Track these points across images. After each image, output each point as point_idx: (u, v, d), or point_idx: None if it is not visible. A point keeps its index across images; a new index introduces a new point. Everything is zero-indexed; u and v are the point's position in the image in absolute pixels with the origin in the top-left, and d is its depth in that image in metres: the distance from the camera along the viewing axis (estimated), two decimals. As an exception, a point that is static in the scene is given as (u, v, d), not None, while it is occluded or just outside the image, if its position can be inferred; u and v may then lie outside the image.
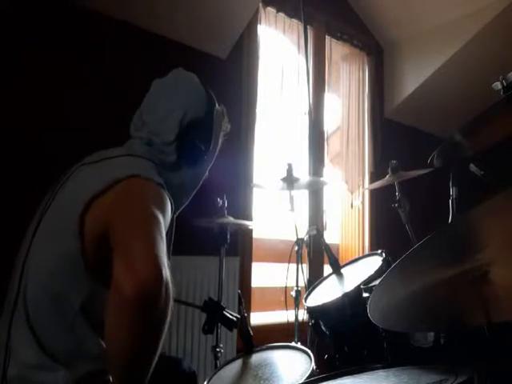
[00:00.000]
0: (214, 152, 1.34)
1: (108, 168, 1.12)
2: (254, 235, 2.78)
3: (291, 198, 2.14)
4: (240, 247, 2.66)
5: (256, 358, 1.44)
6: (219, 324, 1.70)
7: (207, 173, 1.40)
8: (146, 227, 0.97)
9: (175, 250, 2.34)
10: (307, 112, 2.48)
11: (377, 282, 1.12)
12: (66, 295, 1.04)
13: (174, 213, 1.19)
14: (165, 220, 1.03)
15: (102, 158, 1.16)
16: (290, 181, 2.12)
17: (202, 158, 1.26)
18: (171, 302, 0.96)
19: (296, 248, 2.17)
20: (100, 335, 1.05)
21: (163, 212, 1.03)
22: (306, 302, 1.69)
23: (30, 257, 1.08)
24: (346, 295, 1.49)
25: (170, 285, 0.93)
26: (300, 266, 2.18)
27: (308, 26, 3.04)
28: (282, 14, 2.96)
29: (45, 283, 1.04)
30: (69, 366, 1.01)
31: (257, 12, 2.79)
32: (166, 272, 0.91)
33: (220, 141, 1.35)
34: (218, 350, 1.98)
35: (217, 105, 1.31)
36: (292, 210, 2.15)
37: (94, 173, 1.13)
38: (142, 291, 0.86)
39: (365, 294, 1.37)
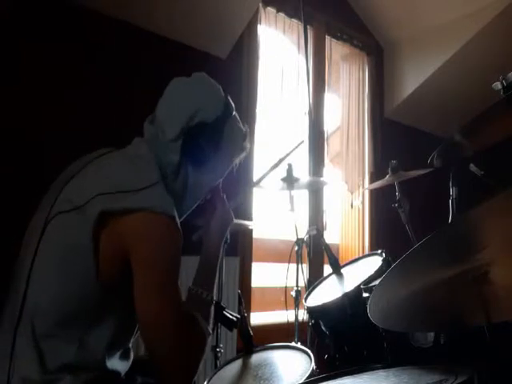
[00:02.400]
0: (223, 162, 1.27)
1: (116, 183, 1.09)
2: (254, 235, 2.78)
3: (291, 198, 2.14)
4: (240, 247, 2.66)
5: (256, 358, 1.44)
6: (219, 324, 1.70)
7: (218, 185, 1.35)
8: (164, 278, 1.11)
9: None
10: (307, 112, 2.49)
11: (377, 282, 1.12)
12: (76, 310, 1.03)
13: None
14: (179, 253, 1.14)
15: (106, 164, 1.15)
16: (290, 181, 2.12)
17: (206, 161, 1.21)
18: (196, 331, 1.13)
19: (296, 248, 2.17)
20: (109, 343, 1.06)
21: (177, 248, 1.14)
22: (305, 302, 1.69)
23: (35, 269, 1.05)
24: (345, 295, 1.48)
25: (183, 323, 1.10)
26: (300, 265, 2.18)
27: (308, 26, 3.04)
28: (282, 14, 2.96)
29: (55, 299, 1.03)
30: (72, 374, 1.00)
31: (257, 12, 2.79)
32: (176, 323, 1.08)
33: (235, 158, 1.29)
34: (217, 350, 1.98)
35: (235, 115, 1.27)
36: (292, 210, 2.15)
37: (100, 181, 1.10)
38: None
39: (365, 294, 1.37)
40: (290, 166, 2.13)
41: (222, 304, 1.53)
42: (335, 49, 3.44)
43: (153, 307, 1.06)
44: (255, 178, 2.74)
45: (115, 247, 1.04)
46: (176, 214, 1.10)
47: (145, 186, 1.07)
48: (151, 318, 1.05)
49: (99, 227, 1.03)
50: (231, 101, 1.26)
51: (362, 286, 1.41)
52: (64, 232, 1.06)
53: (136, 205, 1.04)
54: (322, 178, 2.63)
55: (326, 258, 1.81)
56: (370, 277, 1.45)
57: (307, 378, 1.17)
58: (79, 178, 1.13)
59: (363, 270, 1.61)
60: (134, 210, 1.04)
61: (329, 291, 1.67)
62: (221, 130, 1.21)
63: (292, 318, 2.15)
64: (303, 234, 2.21)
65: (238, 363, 1.46)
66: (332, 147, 3.32)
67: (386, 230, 3.35)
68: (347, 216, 3.53)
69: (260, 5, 2.80)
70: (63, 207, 1.07)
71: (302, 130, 2.88)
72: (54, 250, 1.06)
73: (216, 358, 1.98)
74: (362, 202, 3.48)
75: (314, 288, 1.78)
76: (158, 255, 1.09)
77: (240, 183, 2.67)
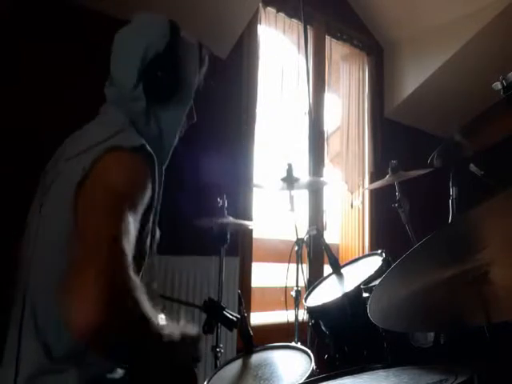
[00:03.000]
0: (189, 84, 1.22)
1: (87, 142, 1.06)
2: (254, 235, 2.78)
3: (291, 198, 2.14)
4: (240, 247, 2.66)
5: (256, 358, 1.44)
6: (219, 324, 1.70)
7: (194, 119, 1.30)
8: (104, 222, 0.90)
9: (175, 250, 2.35)
10: (307, 112, 2.49)
11: (377, 282, 1.12)
12: None
13: (161, 164, 1.17)
14: (142, 188, 1.02)
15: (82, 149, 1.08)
16: (290, 181, 2.12)
17: (172, 93, 1.17)
18: (135, 303, 0.87)
19: (296, 248, 2.17)
20: None
21: (136, 183, 1.01)
22: (305, 302, 1.69)
23: (35, 257, 1.05)
24: (345, 295, 1.48)
25: (126, 296, 0.84)
26: (300, 265, 2.18)
27: (308, 26, 3.04)
28: (282, 14, 2.96)
29: (54, 282, 1.00)
30: (79, 367, 1.00)
31: (257, 12, 2.79)
32: (119, 290, 0.83)
33: (197, 75, 1.25)
34: (218, 350, 1.98)
35: (183, 35, 1.22)
36: (292, 210, 2.14)
37: (75, 148, 1.08)
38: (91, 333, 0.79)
39: (365, 294, 1.37)
40: (289, 165, 2.12)
41: (222, 304, 1.53)
42: (335, 49, 3.44)
43: (97, 223, 0.91)
44: (255, 178, 2.75)
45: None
46: (146, 146, 1.06)
47: (111, 134, 1.05)
48: (92, 233, 0.90)
49: (77, 193, 0.98)
50: (174, 21, 1.23)
51: (362, 286, 1.41)
52: (54, 211, 1.04)
53: (101, 152, 1.00)
54: (321, 178, 2.63)
55: (326, 258, 1.81)
56: (370, 277, 1.45)
57: (307, 378, 1.17)
58: (58, 158, 1.14)
59: (363, 270, 1.61)
60: (100, 157, 0.99)
61: (329, 291, 1.67)
62: (175, 54, 1.17)
63: (292, 318, 2.15)
64: (303, 234, 2.21)
65: (237, 363, 1.45)
66: (332, 147, 3.32)
67: (385, 230, 3.35)
68: (347, 216, 3.53)
69: (260, 5, 2.80)
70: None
71: (302, 130, 2.89)
72: (49, 234, 1.04)
73: (216, 357, 1.98)
74: (362, 202, 3.48)
75: (313, 288, 1.78)
76: (117, 182, 0.98)
77: (240, 183, 2.67)
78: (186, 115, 1.25)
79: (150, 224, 1.15)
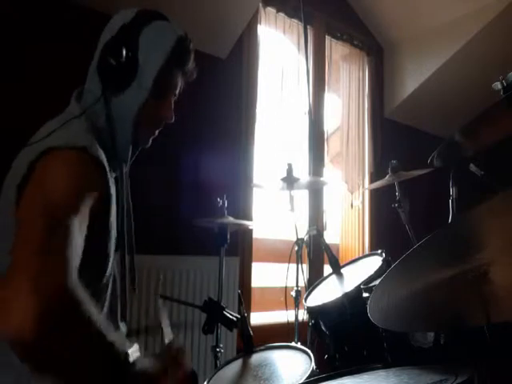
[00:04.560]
0: (147, 74, 1.10)
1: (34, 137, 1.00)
2: (254, 235, 2.78)
3: (291, 198, 2.14)
4: (240, 247, 2.66)
5: (256, 358, 1.44)
6: (219, 324, 1.70)
7: (171, 118, 1.21)
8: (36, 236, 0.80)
9: (175, 250, 2.36)
10: (307, 112, 2.49)
11: (377, 282, 1.12)
12: None
13: (121, 161, 1.10)
14: (87, 186, 0.93)
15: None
16: (290, 181, 2.12)
17: (125, 79, 1.07)
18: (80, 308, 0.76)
19: (296, 248, 2.17)
20: None
21: (81, 185, 0.92)
22: (306, 302, 1.69)
23: None
24: (345, 295, 1.48)
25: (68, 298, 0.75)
26: (300, 265, 2.18)
27: (308, 26, 3.04)
28: (281, 14, 2.96)
29: None
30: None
31: (257, 12, 2.79)
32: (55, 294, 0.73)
33: (162, 56, 1.11)
34: (217, 350, 1.98)
35: (161, 23, 1.14)
36: (292, 210, 2.14)
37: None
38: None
39: (365, 294, 1.37)
40: (289, 165, 2.12)
41: (222, 304, 1.54)
42: (335, 49, 3.44)
43: (31, 236, 0.80)
44: (255, 178, 2.75)
45: None
46: (87, 148, 0.95)
47: (56, 127, 0.98)
48: (24, 245, 0.79)
49: (18, 197, 0.92)
50: (147, 10, 1.15)
51: (362, 286, 1.41)
52: (1, 209, 0.98)
53: (38, 153, 0.92)
54: (321, 178, 2.63)
55: (326, 258, 1.81)
56: (370, 277, 1.45)
57: (307, 378, 1.17)
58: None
59: (363, 270, 1.61)
60: (37, 159, 0.92)
61: (329, 291, 1.67)
62: (133, 40, 1.08)
63: (292, 318, 2.15)
64: (303, 234, 2.21)
65: (237, 363, 1.45)
66: (332, 147, 3.32)
67: (386, 230, 3.35)
68: (347, 216, 3.53)
69: (260, 5, 2.80)
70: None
71: (301, 130, 2.89)
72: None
73: (216, 358, 1.98)
74: (362, 202, 3.48)
75: (313, 288, 1.78)
76: (56, 189, 0.88)
77: (240, 183, 2.68)
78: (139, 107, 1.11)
79: (113, 230, 1.07)
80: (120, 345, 0.83)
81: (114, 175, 1.11)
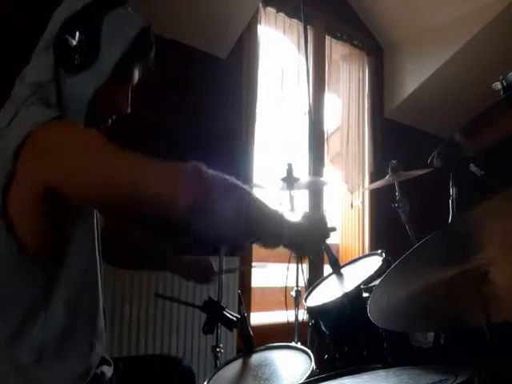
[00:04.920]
0: (107, 59, 1.05)
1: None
2: (254, 235, 2.77)
3: (291, 198, 2.14)
4: (240, 247, 2.66)
5: (256, 357, 1.44)
6: (219, 324, 1.70)
7: (126, 108, 1.16)
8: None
9: (175, 250, 2.34)
10: (307, 112, 2.48)
11: (377, 282, 1.12)
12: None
13: None
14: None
15: None
16: (289, 181, 2.12)
17: (83, 62, 1.03)
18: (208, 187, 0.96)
19: (296, 248, 2.17)
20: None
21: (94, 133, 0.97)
22: (306, 302, 1.69)
23: None
24: (345, 295, 1.48)
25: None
26: (300, 265, 2.18)
27: (308, 26, 3.04)
28: (281, 14, 2.96)
29: None
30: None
31: (257, 12, 2.79)
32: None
33: (125, 43, 1.07)
34: (217, 350, 1.98)
35: (125, 10, 1.09)
36: (292, 210, 2.14)
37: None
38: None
39: (365, 294, 1.37)
40: (289, 165, 2.12)
41: (222, 304, 1.54)
42: (335, 49, 3.44)
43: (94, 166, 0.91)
44: (255, 178, 2.75)
45: (31, 190, 0.90)
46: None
47: (11, 115, 0.96)
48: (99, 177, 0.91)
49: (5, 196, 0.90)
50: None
51: (362, 286, 1.41)
52: None
53: (13, 145, 0.89)
54: (321, 178, 2.63)
55: (326, 258, 1.81)
56: (370, 277, 1.45)
57: (307, 378, 1.17)
58: None
59: (363, 270, 1.61)
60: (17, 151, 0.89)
61: (329, 291, 1.67)
62: (95, 21, 1.03)
63: (292, 318, 2.15)
64: (303, 234, 2.20)
65: (237, 363, 1.45)
66: (332, 147, 3.32)
67: (386, 230, 3.35)
68: (347, 216, 3.53)
69: (260, 5, 2.79)
70: None
71: (301, 130, 2.89)
72: None
73: (216, 358, 1.98)
74: (362, 202, 3.48)
75: (313, 288, 1.78)
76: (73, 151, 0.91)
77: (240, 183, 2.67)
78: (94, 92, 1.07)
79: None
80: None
81: None
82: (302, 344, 1.53)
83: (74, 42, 1.02)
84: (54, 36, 1.03)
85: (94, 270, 1.07)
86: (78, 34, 1.02)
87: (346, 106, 3.46)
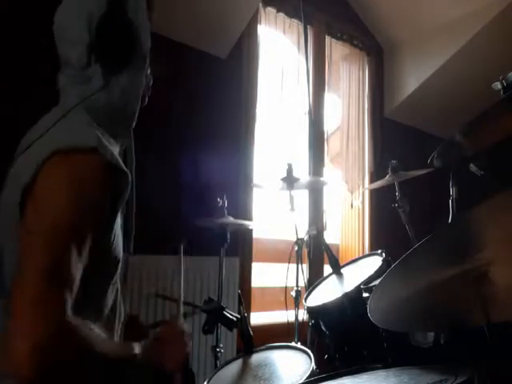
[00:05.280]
0: (143, 44, 1.07)
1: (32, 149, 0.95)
2: (254, 235, 2.78)
3: (291, 198, 2.14)
4: (240, 247, 2.66)
5: (256, 357, 1.44)
6: (219, 324, 1.70)
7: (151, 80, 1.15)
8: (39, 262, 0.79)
9: (175, 250, 2.34)
10: (307, 112, 2.48)
11: (377, 282, 1.12)
12: None
13: (129, 128, 1.08)
14: (94, 202, 0.88)
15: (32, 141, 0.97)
16: (289, 181, 2.12)
17: (125, 55, 1.03)
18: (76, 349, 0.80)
19: (296, 248, 2.17)
20: None
21: (86, 200, 0.87)
22: (306, 302, 1.69)
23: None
24: (345, 295, 1.48)
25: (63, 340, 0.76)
26: (300, 265, 2.18)
27: (308, 26, 3.05)
28: (281, 14, 2.96)
29: None
30: None
31: (257, 12, 2.79)
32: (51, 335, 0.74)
33: (149, 28, 1.09)
34: (217, 350, 1.98)
35: None
36: (292, 209, 2.14)
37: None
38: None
39: (365, 294, 1.37)
40: (290, 165, 2.12)
41: (222, 304, 1.53)
42: (335, 49, 3.44)
43: (31, 257, 0.81)
44: (255, 178, 2.75)
45: None
46: (100, 142, 0.92)
47: (54, 122, 0.94)
48: (27, 267, 0.80)
49: (21, 211, 0.88)
50: None
51: (362, 286, 1.41)
52: (3, 218, 0.95)
53: (40, 162, 0.87)
54: (321, 178, 2.63)
55: (326, 258, 1.81)
56: (370, 277, 1.45)
57: (307, 378, 1.17)
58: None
59: (363, 270, 1.61)
60: (39, 169, 0.87)
61: (329, 291, 1.67)
62: (121, 11, 1.02)
63: (292, 318, 2.15)
64: (303, 234, 2.21)
65: (237, 363, 1.45)
66: (332, 147, 3.32)
67: (386, 230, 3.35)
68: (347, 216, 3.53)
69: (260, 5, 2.80)
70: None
71: (302, 130, 2.89)
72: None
73: (216, 358, 1.98)
74: (362, 202, 3.48)
75: (313, 288, 1.78)
76: (60, 205, 0.85)
77: (240, 183, 2.68)
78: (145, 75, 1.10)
79: (120, 226, 1.05)
80: (125, 351, 0.90)
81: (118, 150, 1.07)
82: (302, 344, 1.52)
83: (113, 42, 1.01)
84: (90, 46, 1.00)
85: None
86: (111, 33, 1.01)
87: (345, 105, 3.46)
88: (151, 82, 1.16)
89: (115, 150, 1.02)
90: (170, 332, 1.10)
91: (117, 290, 1.10)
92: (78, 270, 0.84)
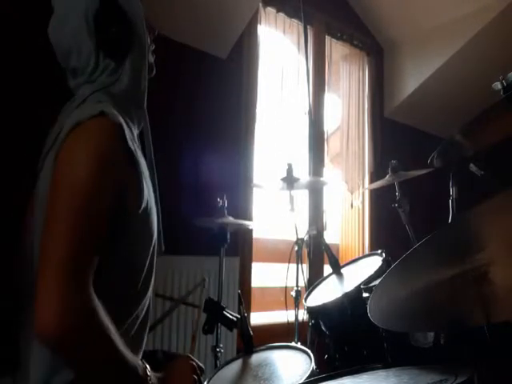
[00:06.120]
0: (140, 29, 1.12)
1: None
2: (254, 235, 2.78)
3: (291, 198, 2.14)
4: (240, 247, 2.66)
5: (256, 357, 1.44)
6: (219, 324, 1.70)
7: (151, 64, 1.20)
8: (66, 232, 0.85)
9: (175, 250, 2.35)
10: (307, 112, 2.49)
11: (377, 282, 1.12)
12: None
13: (140, 106, 1.13)
14: (114, 160, 0.94)
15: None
16: (290, 181, 2.12)
17: (129, 43, 1.08)
18: (99, 333, 0.86)
19: (296, 248, 2.17)
20: None
21: (108, 159, 0.92)
22: (306, 302, 1.69)
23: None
24: (345, 295, 1.49)
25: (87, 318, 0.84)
26: (300, 266, 2.18)
27: (308, 26, 3.05)
28: (281, 14, 2.96)
29: None
30: None
31: (257, 12, 2.79)
32: (77, 310, 0.82)
33: (141, 12, 1.12)
34: (217, 349, 1.98)
35: None
36: (292, 210, 2.15)
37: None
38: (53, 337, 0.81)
39: (365, 294, 1.37)
40: (290, 165, 2.13)
41: (222, 304, 1.53)
42: (335, 49, 3.44)
43: (52, 237, 0.86)
44: (255, 178, 2.75)
45: None
46: (110, 109, 0.97)
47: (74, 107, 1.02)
48: (48, 246, 0.86)
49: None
50: None
51: (362, 286, 1.41)
52: (40, 211, 0.98)
53: (68, 125, 0.95)
54: (321, 178, 2.63)
55: (326, 258, 1.81)
56: (370, 277, 1.45)
57: (307, 378, 1.17)
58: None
59: (363, 270, 1.61)
60: (60, 148, 0.94)
61: (329, 291, 1.67)
62: (117, 2, 1.07)
63: (292, 318, 2.15)
64: (303, 234, 2.21)
65: (238, 363, 1.45)
66: (332, 147, 3.32)
67: (386, 230, 3.35)
68: (347, 216, 3.53)
69: (260, 5, 2.80)
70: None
71: (302, 130, 2.89)
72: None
73: (216, 358, 1.98)
74: (362, 202, 3.48)
75: (313, 288, 1.78)
76: (78, 177, 0.89)
77: (240, 183, 2.67)
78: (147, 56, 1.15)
79: (154, 203, 1.08)
80: (135, 363, 0.93)
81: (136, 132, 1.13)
82: (302, 344, 1.52)
83: (117, 32, 1.06)
84: (93, 42, 1.04)
85: None
86: (117, 22, 1.05)
87: (345, 106, 3.46)
88: (154, 57, 1.21)
89: (134, 132, 1.09)
90: (183, 363, 1.14)
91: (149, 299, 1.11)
92: (102, 230, 0.90)
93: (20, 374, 0.99)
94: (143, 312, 1.08)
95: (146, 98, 1.16)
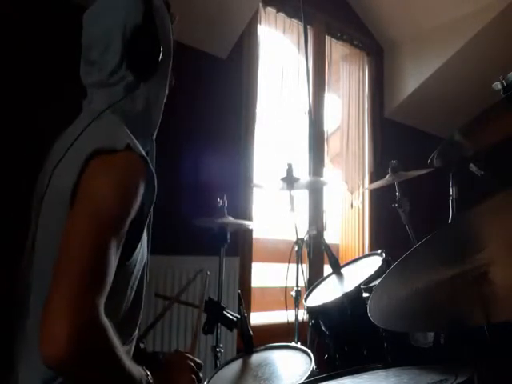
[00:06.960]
0: (168, 54, 1.14)
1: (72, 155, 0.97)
2: (254, 235, 2.78)
3: (291, 198, 2.14)
4: (240, 247, 2.66)
5: (256, 357, 1.44)
6: (219, 324, 1.70)
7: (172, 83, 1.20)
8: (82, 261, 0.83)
9: (175, 250, 2.35)
10: (307, 112, 2.49)
11: (377, 282, 1.12)
12: None
13: (151, 135, 1.13)
14: (132, 201, 0.93)
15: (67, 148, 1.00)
16: (290, 181, 2.12)
17: (156, 63, 1.07)
18: (109, 346, 0.84)
19: (296, 248, 2.17)
20: None
21: (125, 197, 0.92)
22: (306, 302, 1.69)
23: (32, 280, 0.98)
24: (345, 295, 1.49)
25: (98, 336, 0.81)
26: (300, 266, 2.18)
27: (308, 26, 3.05)
28: (281, 14, 2.96)
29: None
30: None
31: (257, 12, 2.79)
32: (88, 327, 0.79)
33: (171, 35, 1.16)
34: (217, 350, 1.98)
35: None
36: (292, 210, 2.15)
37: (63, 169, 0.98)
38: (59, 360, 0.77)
39: (365, 294, 1.37)
40: (290, 165, 2.13)
41: (222, 304, 1.54)
42: (335, 49, 3.44)
43: (70, 256, 0.84)
44: (255, 178, 2.75)
45: None
46: (132, 140, 0.98)
47: (83, 127, 0.98)
48: (66, 264, 0.84)
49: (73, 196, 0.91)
50: None
51: (362, 286, 1.41)
52: (47, 226, 0.98)
53: (82, 162, 0.91)
54: (321, 178, 2.63)
55: (326, 258, 1.81)
56: (370, 277, 1.45)
57: (307, 378, 1.17)
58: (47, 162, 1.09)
59: (363, 270, 1.61)
60: (82, 170, 0.90)
61: (329, 291, 1.67)
62: (153, 23, 1.07)
63: (292, 318, 2.15)
64: (303, 234, 2.21)
65: (237, 363, 1.45)
66: (332, 147, 3.32)
67: (386, 230, 3.35)
68: (347, 216, 3.53)
69: (260, 5, 2.80)
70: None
71: (302, 130, 2.89)
72: (44, 249, 0.99)
73: (216, 358, 1.98)
74: (362, 202, 3.48)
75: (313, 288, 1.78)
76: (102, 204, 0.89)
77: (240, 183, 2.68)
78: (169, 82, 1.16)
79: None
80: (140, 375, 0.92)
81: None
82: (302, 344, 1.52)
83: (146, 51, 1.05)
84: (123, 52, 1.04)
85: None
86: (145, 42, 1.05)
87: (345, 106, 3.46)
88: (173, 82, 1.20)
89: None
90: (180, 361, 1.13)
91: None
92: (114, 265, 0.88)
93: None
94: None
95: (156, 130, 1.15)
